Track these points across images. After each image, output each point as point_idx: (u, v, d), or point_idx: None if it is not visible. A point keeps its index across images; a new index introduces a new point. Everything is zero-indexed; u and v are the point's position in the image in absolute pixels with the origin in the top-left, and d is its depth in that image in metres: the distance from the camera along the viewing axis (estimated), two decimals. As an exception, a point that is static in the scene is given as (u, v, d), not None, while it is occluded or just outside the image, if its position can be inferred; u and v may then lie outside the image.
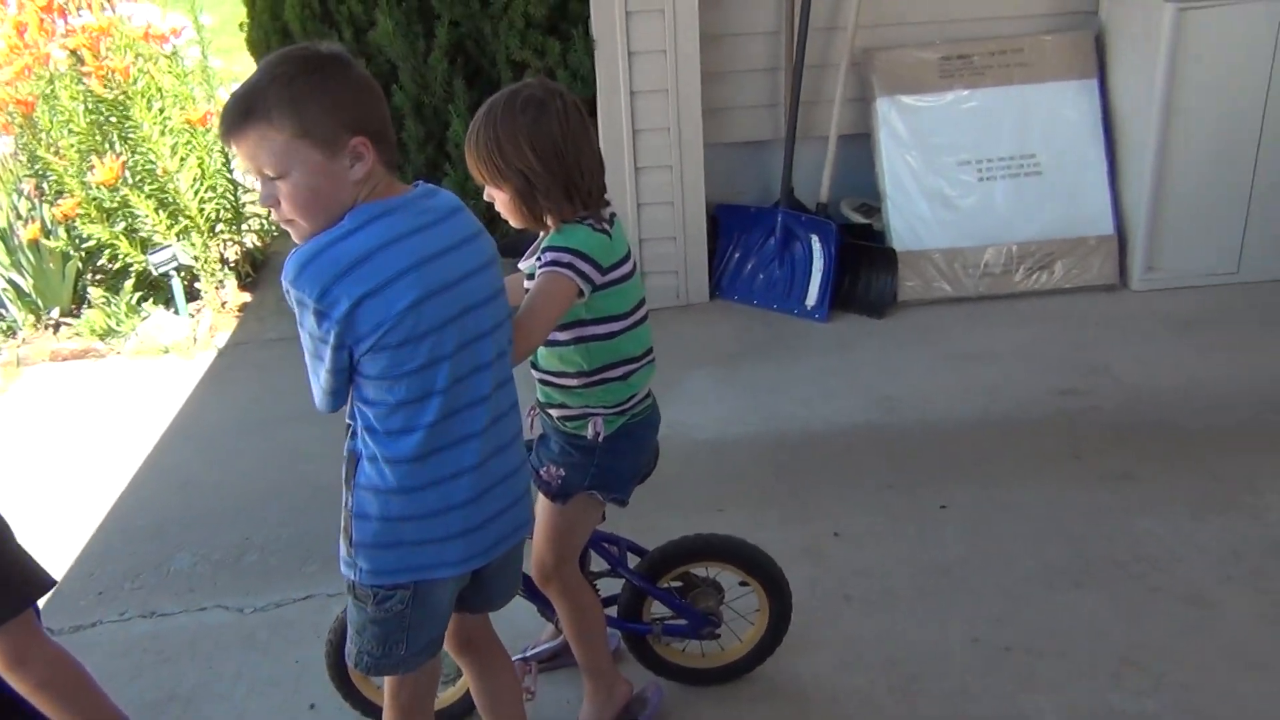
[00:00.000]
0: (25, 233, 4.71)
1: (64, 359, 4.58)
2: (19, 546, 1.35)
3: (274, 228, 5.52)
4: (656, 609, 2.41)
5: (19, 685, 1.31)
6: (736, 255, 4.50)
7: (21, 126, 4.81)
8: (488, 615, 2.07)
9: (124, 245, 4.78)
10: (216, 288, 4.94)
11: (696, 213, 4.37)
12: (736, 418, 3.62)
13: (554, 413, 2.14)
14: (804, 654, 2.54)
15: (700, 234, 4.40)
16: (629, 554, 2.42)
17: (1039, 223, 4.29)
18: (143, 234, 4.80)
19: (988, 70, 4.41)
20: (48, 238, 4.76)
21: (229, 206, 5.14)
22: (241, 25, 4.51)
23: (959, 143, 4.35)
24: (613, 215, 2.06)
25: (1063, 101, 4.36)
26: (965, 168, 4.33)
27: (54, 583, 1.38)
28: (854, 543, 2.93)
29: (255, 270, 5.24)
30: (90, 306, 4.77)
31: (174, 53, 5.12)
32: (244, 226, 5.26)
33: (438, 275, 1.66)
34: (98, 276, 4.98)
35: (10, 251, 4.82)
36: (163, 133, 4.80)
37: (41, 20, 4.78)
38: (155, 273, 4.69)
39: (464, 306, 1.69)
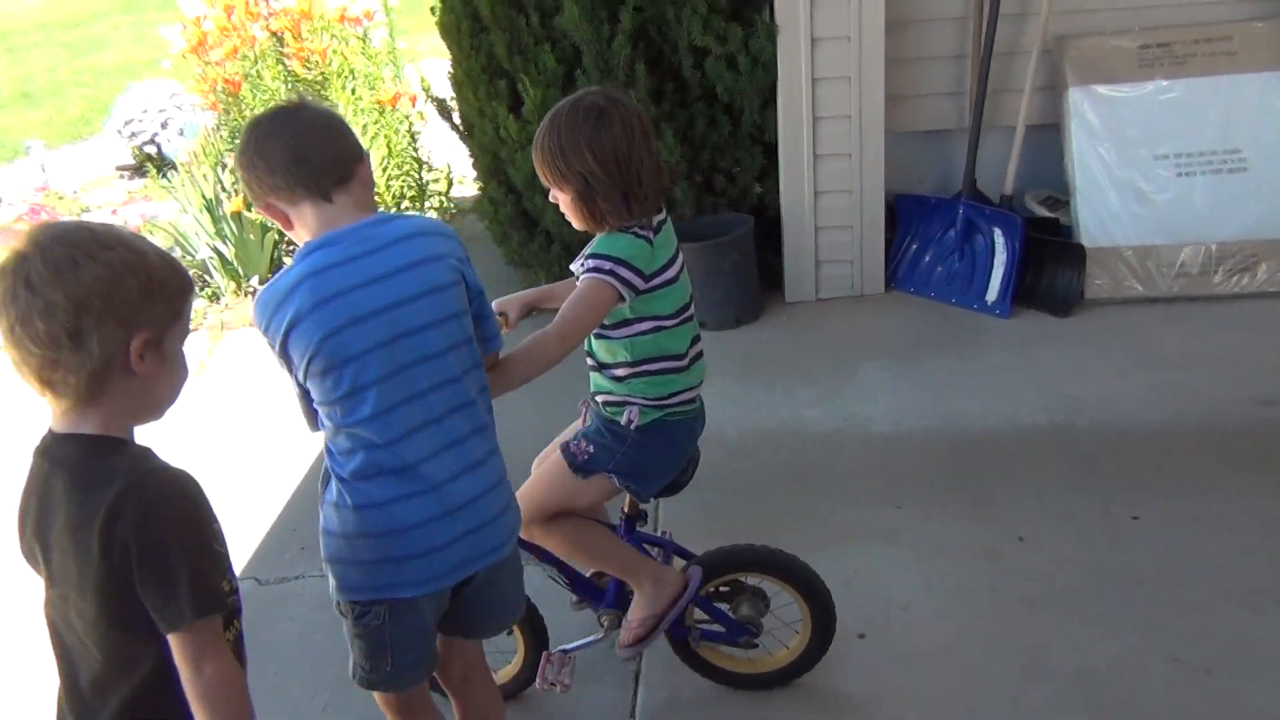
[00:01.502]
0: (229, 205, 5.00)
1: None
2: (225, 554, 1.43)
3: (452, 205, 5.72)
4: (698, 611, 2.41)
5: (191, 684, 1.37)
6: (914, 246, 4.43)
7: (227, 105, 5.09)
8: (482, 651, 2.10)
9: (317, 219, 5.01)
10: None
11: (875, 202, 4.31)
12: (913, 412, 3.58)
13: (599, 398, 2.22)
14: (989, 658, 2.51)
15: (878, 223, 4.34)
16: (675, 558, 2.45)
17: (1242, 222, 4.07)
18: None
19: (1190, 59, 4.20)
20: (249, 210, 5.04)
21: (413, 184, 5.34)
22: (432, 9, 4.65)
23: (1157, 136, 4.16)
24: (661, 223, 2.11)
25: (1273, 94, 4.12)
26: (1163, 162, 4.14)
27: (239, 604, 1.47)
28: (1038, 548, 2.86)
29: (435, 246, 5.43)
30: (286, 276, 5.04)
31: (365, 34, 5.34)
32: (426, 204, 5.45)
33: (362, 303, 1.69)
34: (291, 246, 5.24)
35: (215, 222, 5.13)
36: (355, 112, 5.02)
37: (248, 3, 5.05)
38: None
39: (396, 333, 1.71)
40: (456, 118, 4.81)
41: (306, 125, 1.78)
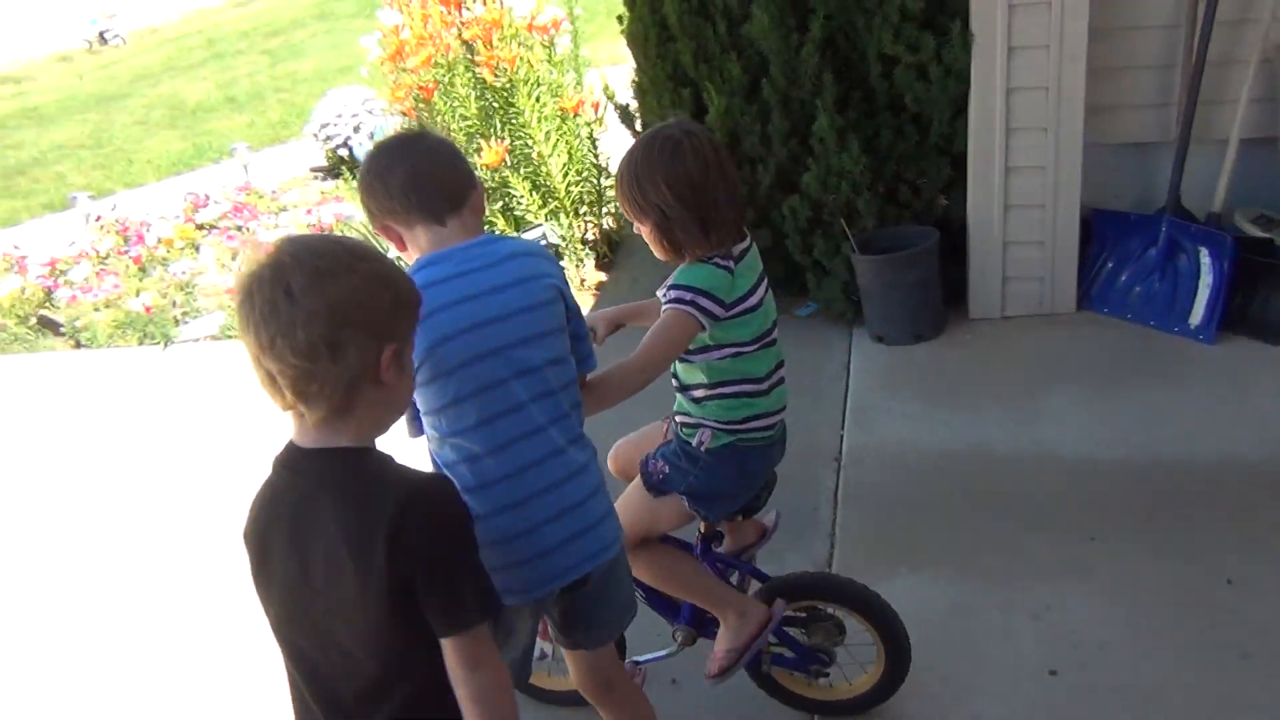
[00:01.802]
0: (418, 207, 5.18)
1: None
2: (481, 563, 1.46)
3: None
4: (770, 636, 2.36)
5: (467, 686, 1.40)
6: (1110, 264, 4.21)
7: (420, 111, 5.27)
8: (618, 656, 2.14)
9: (500, 222, 5.16)
10: (577, 266, 5.22)
11: (1069, 217, 4.12)
12: (1108, 440, 3.40)
13: (678, 418, 2.25)
14: (1194, 709, 2.35)
15: (1071, 240, 4.15)
16: (751, 579, 2.43)
17: None
18: (517, 213, 5.16)
19: None
20: (435, 213, 5.22)
21: (592, 190, 5.42)
22: (619, 18, 4.71)
23: (1390, 151, 3.84)
24: (744, 251, 2.12)
25: None
26: (1396, 181, 3.82)
27: (503, 605, 1.52)
28: (1252, 594, 2.67)
29: (612, 251, 5.50)
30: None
31: (551, 42, 5.45)
32: (604, 210, 5.52)
33: (467, 316, 1.76)
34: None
35: (403, 223, 5.33)
36: (538, 120, 5.13)
37: (443, 12, 5.22)
38: (526, 250, 5.03)
39: (497, 346, 1.77)
40: (639, 125, 4.86)
41: (426, 154, 1.88)
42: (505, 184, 5.09)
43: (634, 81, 4.75)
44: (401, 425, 1.70)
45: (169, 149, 9.15)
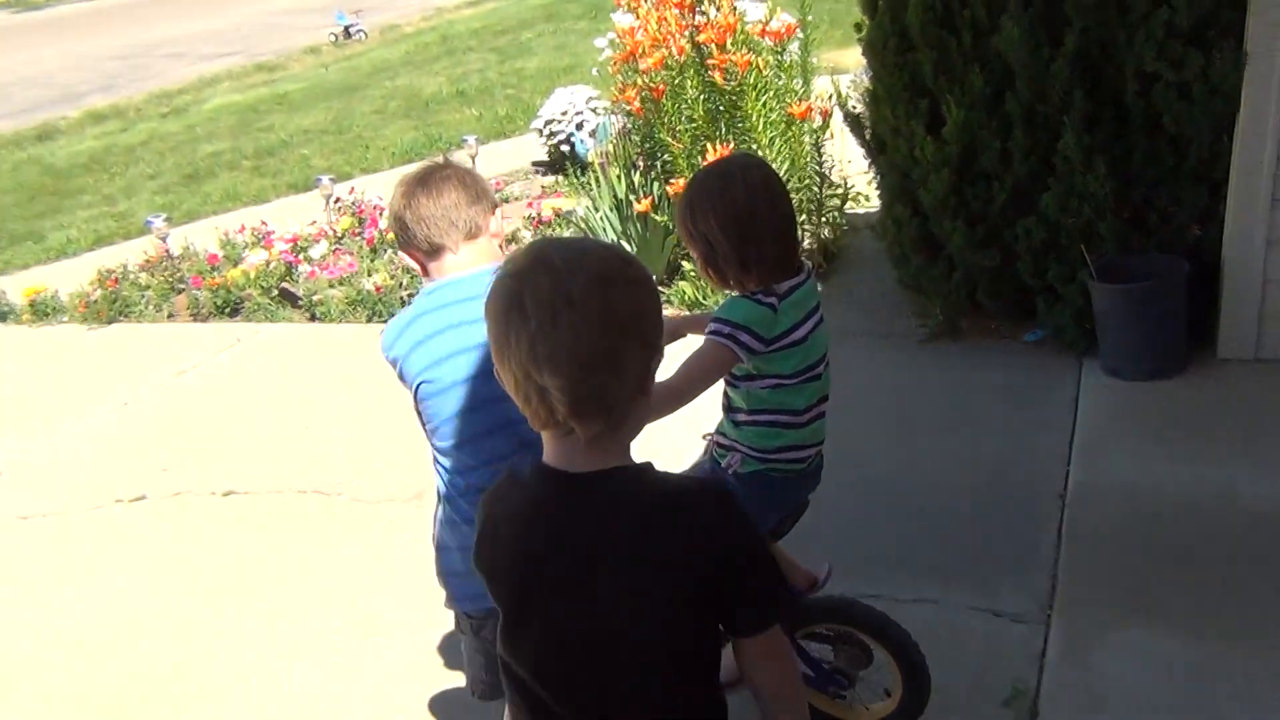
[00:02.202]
0: (638, 206, 5.26)
1: (656, 323, 5.06)
2: None
3: (844, 221, 5.68)
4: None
5: (769, 675, 1.41)
6: (1388, 311, 3.83)
7: (648, 110, 5.34)
8: None
9: (717, 226, 5.15)
10: (791, 274, 5.16)
11: (1344, 256, 3.78)
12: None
13: (717, 438, 2.31)
14: None
15: (1344, 281, 3.80)
16: None
17: None
18: (735, 217, 5.15)
19: None
20: (656, 211, 5.27)
21: (812, 198, 5.35)
22: (858, 26, 4.63)
23: None
24: (794, 287, 2.10)
25: None
26: None
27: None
28: None
29: (827, 261, 5.41)
30: (682, 278, 5.23)
31: (782, 48, 5.41)
32: (822, 219, 5.45)
33: (458, 341, 1.92)
34: (685, 251, 5.42)
35: (622, 221, 5.41)
36: (764, 125, 5.11)
37: (678, 16, 5.27)
38: (742, 254, 5.01)
39: (486, 370, 1.84)
40: (868, 134, 4.76)
41: (455, 186, 2.06)
42: (727, 187, 5.08)
43: (867, 90, 4.65)
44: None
45: (403, 138, 9.63)
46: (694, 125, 5.22)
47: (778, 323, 2.09)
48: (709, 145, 5.03)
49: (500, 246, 2.18)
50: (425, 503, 3.89)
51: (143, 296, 6.33)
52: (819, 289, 2.20)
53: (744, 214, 2.07)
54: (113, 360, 5.67)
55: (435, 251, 2.05)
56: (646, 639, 1.34)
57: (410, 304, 2.08)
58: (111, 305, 6.25)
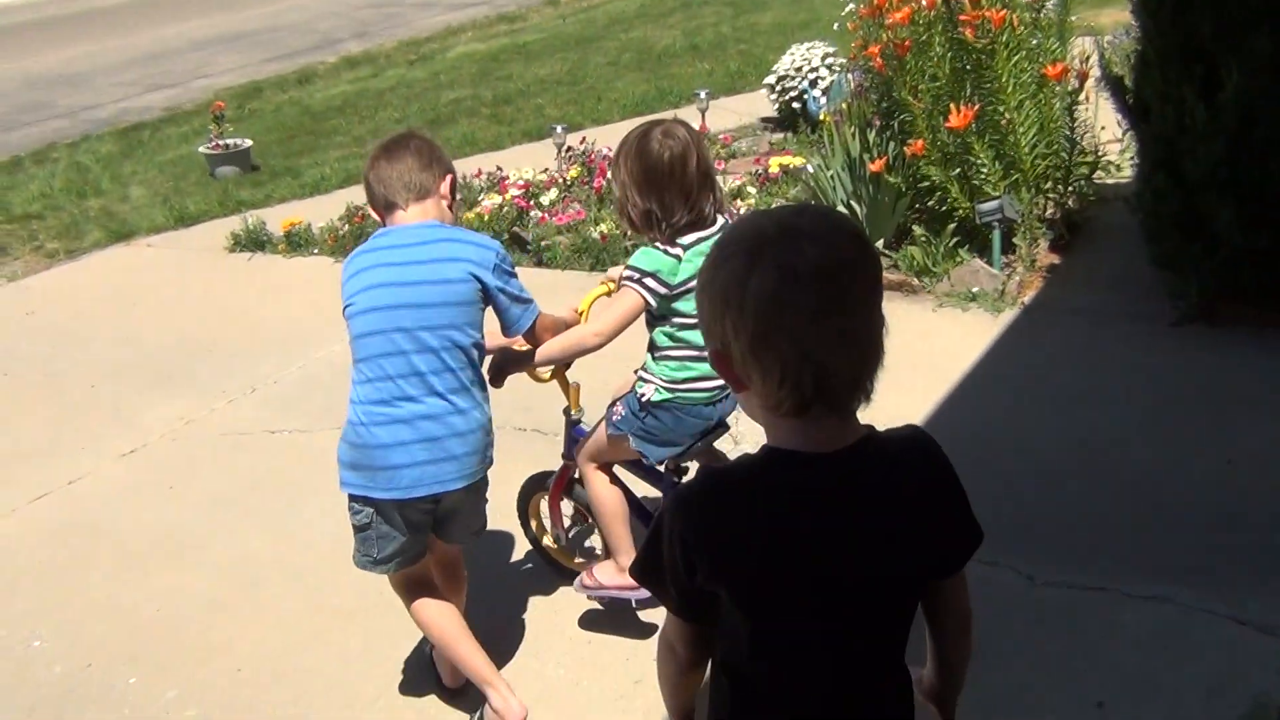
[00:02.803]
0: (872, 166, 5.10)
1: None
2: None
3: (1092, 191, 5.33)
4: None
5: (969, 616, 1.51)
6: None
7: (890, 67, 5.15)
8: (459, 553, 2.80)
9: (954, 190, 4.95)
10: (1030, 245, 4.90)
11: None
12: None
13: (638, 373, 2.69)
14: None
15: None
16: None
17: None
18: (975, 182, 4.93)
19: None
20: (889, 173, 5.11)
21: (1060, 165, 5.05)
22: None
23: None
24: (700, 239, 2.49)
25: None
26: None
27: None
28: None
29: (1070, 233, 5.11)
30: (912, 243, 5.05)
31: (1040, 5, 5.09)
32: (1069, 188, 5.13)
33: (382, 276, 2.43)
34: (922, 215, 5.24)
35: (854, 181, 5.27)
36: (1014, 87, 4.84)
37: (929, -31, 5.04)
38: (979, 221, 4.79)
39: (399, 303, 2.40)
40: (1129, 99, 4.43)
41: (411, 154, 2.52)
42: (967, 150, 4.86)
43: (1132, 51, 4.33)
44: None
45: (634, 90, 9.69)
46: (937, 84, 5.00)
47: (681, 270, 2.49)
48: (952, 105, 4.81)
49: (450, 208, 2.60)
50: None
51: (385, 233, 6.69)
52: None
53: (656, 172, 2.44)
54: (356, 292, 6.03)
55: (389, 207, 2.54)
56: (888, 597, 1.39)
57: (365, 242, 2.55)
58: (357, 240, 6.62)
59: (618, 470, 2.89)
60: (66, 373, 5.33)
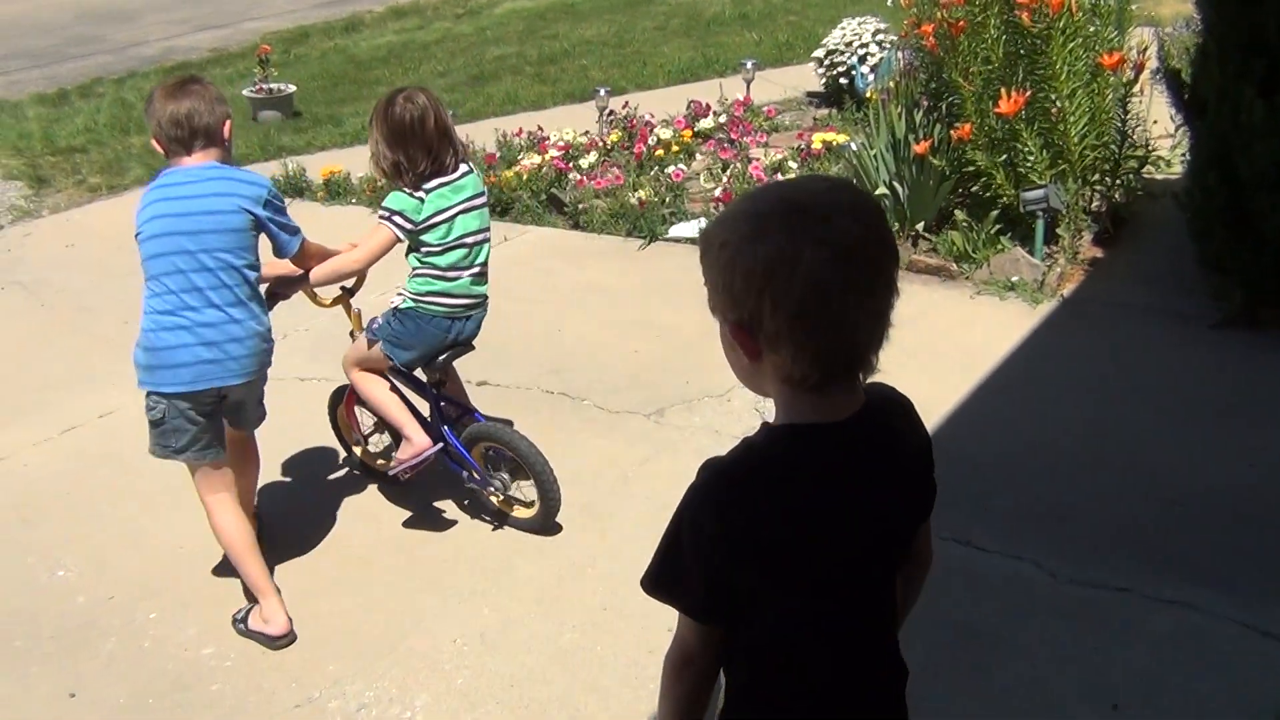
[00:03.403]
0: (917, 147, 5.03)
1: (919, 271, 4.87)
2: None
3: (1140, 186, 5.23)
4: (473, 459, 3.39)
5: (928, 564, 1.59)
6: None
7: (943, 47, 5.07)
8: (246, 434, 3.19)
9: (999, 177, 4.87)
10: (1073, 236, 4.83)
11: None
12: None
13: (399, 289, 3.25)
14: None
15: None
16: (468, 416, 3.46)
17: None
18: (1020, 170, 4.85)
19: None
20: (933, 155, 5.04)
21: (1109, 156, 4.96)
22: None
23: None
24: (442, 184, 3.08)
25: None
26: None
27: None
28: None
29: (1115, 227, 5.02)
30: (953, 228, 4.99)
31: (1101, -10, 4.99)
32: (1117, 181, 5.04)
33: (165, 208, 2.83)
34: (965, 200, 5.17)
35: (898, 161, 5.21)
36: (1067, 75, 4.74)
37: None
38: (1023, 210, 4.72)
39: (177, 230, 2.81)
40: (1186, 94, 4.34)
41: (188, 98, 2.85)
42: (1015, 136, 4.78)
43: (1192, 45, 4.23)
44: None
45: (680, 56, 9.60)
46: (989, 68, 4.92)
47: (423, 209, 3.07)
48: (1002, 90, 4.73)
49: (227, 148, 2.95)
50: (666, 420, 3.95)
51: (423, 187, 6.68)
52: (480, 184, 3.22)
53: (399, 131, 3.01)
54: (391, 244, 6.03)
55: (179, 149, 2.87)
56: (886, 559, 1.43)
57: (155, 179, 2.92)
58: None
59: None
60: (102, 307, 5.37)
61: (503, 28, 12.02)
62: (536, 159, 6.66)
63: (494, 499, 3.44)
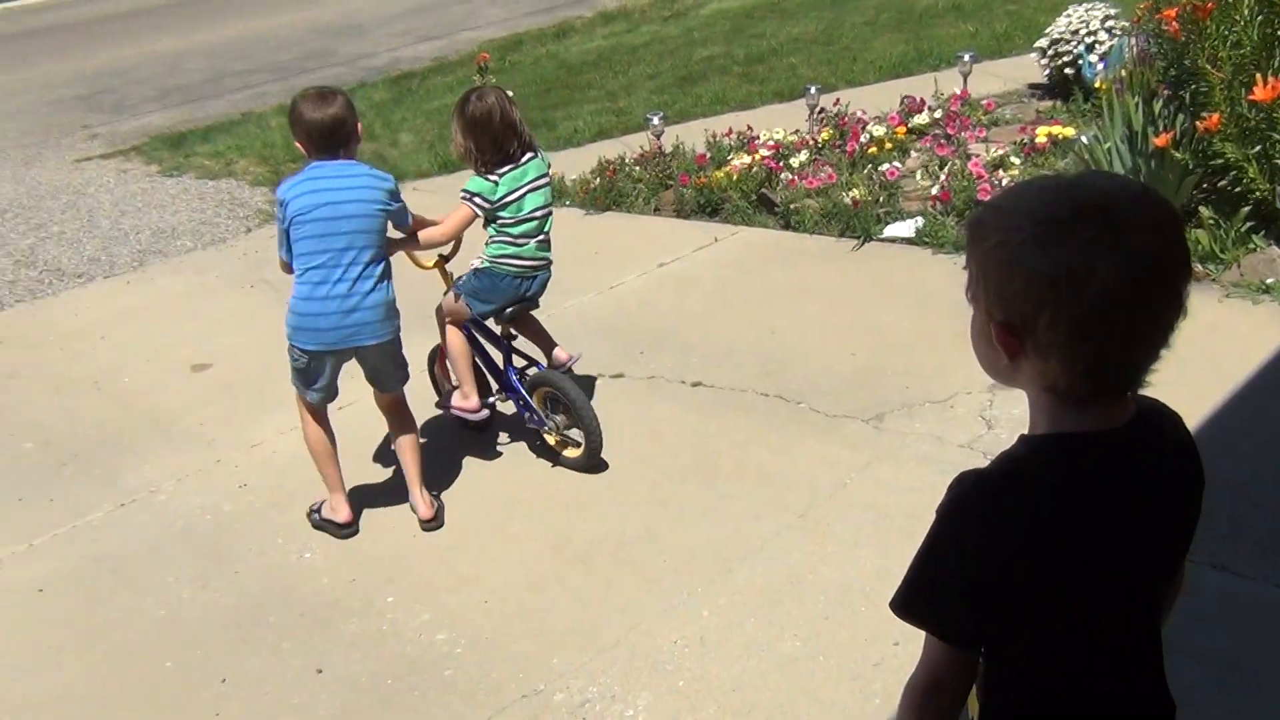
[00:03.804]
0: (1156, 140, 4.73)
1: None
2: None
3: None
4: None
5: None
6: None
7: (1187, 32, 4.74)
8: (393, 396, 3.72)
9: (1252, 170, 4.51)
10: (1337, 235, 4.42)
11: None
12: None
13: (479, 256, 3.89)
14: None
15: None
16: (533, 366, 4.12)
17: None
18: (1276, 161, 4.47)
19: None
20: (1175, 148, 4.72)
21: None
22: None
23: None
24: (513, 168, 3.74)
25: None
26: None
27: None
28: None
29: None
30: (1198, 226, 4.66)
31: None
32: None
33: (317, 196, 3.35)
34: (1211, 196, 4.82)
35: (1134, 155, 4.90)
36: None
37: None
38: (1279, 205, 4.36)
39: (328, 216, 3.35)
40: None
41: (333, 107, 3.39)
42: (1272, 126, 4.41)
43: None
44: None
45: (892, 51, 9.36)
46: (1241, 52, 4.56)
47: (498, 190, 3.71)
48: (1258, 75, 4.38)
49: (356, 147, 3.50)
50: (885, 425, 3.86)
51: (634, 189, 6.77)
52: (544, 167, 3.84)
53: (472, 125, 3.68)
54: (604, 245, 6.16)
55: (324, 150, 3.42)
56: (1154, 587, 1.37)
57: (302, 171, 3.44)
58: (607, 194, 6.76)
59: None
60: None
61: (709, 28, 12.07)
62: (746, 159, 6.64)
63: (550, 438, 3.98)
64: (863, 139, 6.63)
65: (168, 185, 8.49)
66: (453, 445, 4.20)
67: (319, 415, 3.69)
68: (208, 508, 3.97)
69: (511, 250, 3.81)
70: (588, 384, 4.42)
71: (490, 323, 4.03)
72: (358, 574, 3.51)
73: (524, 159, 3.77)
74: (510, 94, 3.81)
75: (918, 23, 10.56)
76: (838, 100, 7.32)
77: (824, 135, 6.82)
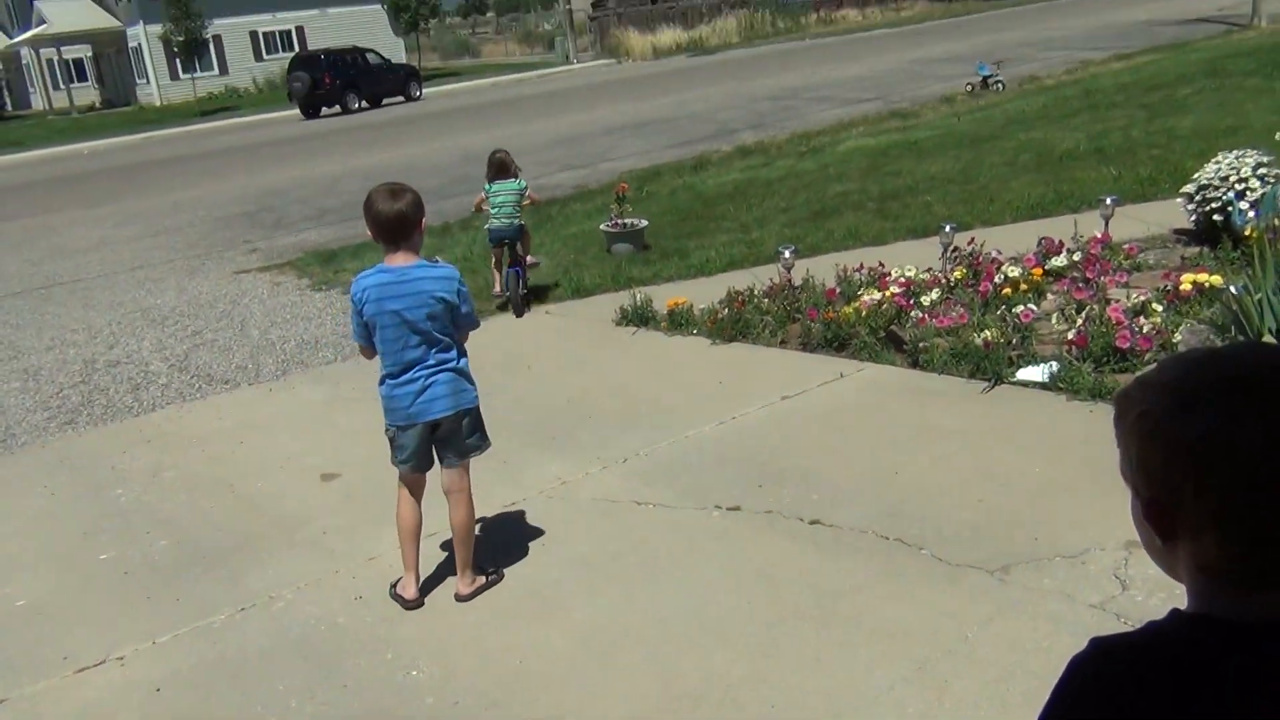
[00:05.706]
0: (1312, 293, 4.51)
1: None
2: None
3: None
4: None
5: None
6: None
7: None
8: (456, 473, 4.05)
9: None
10: None
11: None
12: None
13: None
14: None
15: None
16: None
17: None
18: None
19: None
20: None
21: None
22: None
23: None
24: (498, 180, 7.74)
25: None
26: None
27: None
28: None
29: None
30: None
31: None
32: None
33: (388, 299, 3.78)
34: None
35: (1288, 308, 4.69)
36: None
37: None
38: None
39: (400, 318, 3.78)
40: None
41: (399, 203, 3.75)
42: None
43: None
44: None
45: (1030, 192, 9.29)
46: (1406, 206, 4.35)
47: (490, 190, 7.61)
48: None
49: (421, 240, 3.88)
50: (1012, 578, 3.69)
51: (762, 320, 6.80)
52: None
53: (488, 164, 7.78)
54: (729, 376, 6.16)
55: (390, 243, 3.81)
56: None
57: (372, 269, 3.87)
58: (735, 325, 6.80)
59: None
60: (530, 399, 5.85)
61: (845, 164, 12.22)
62: (876, 295, 6.61)
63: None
64: (997, 279, 6.53)
65: (316, 299, 8.95)
66: (564, 568, 4.19)
67: (413, 491, 4.04)
68: (323, 618, 4.04)
69: (495, 212, 6.75)
70: (704, 516, 4.37)
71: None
72: (462, 697, 3.48)
73: (509, 175, 6.76)
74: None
75: (1058, 165, 10.48)
76: (972, 239, 7.26)
77: (957, 274, 6.75)
